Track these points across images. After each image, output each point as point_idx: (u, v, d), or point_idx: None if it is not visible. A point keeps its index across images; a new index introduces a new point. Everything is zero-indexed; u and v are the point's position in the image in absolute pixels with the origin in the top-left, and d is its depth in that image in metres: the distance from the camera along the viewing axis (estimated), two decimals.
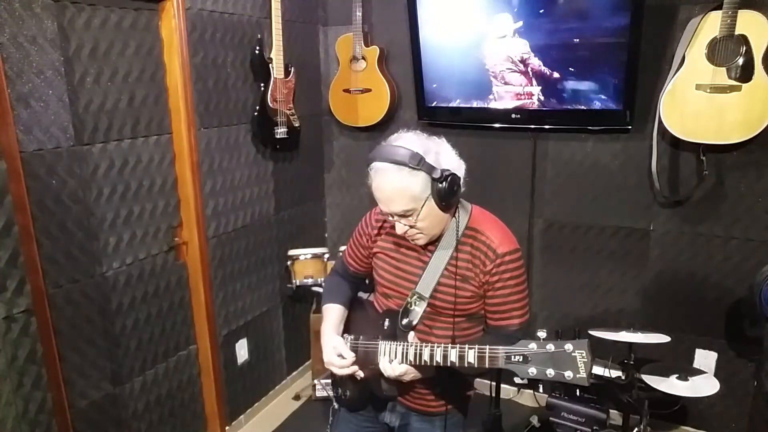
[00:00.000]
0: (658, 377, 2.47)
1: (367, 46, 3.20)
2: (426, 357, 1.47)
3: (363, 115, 3.30)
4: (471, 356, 1.39)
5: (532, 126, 2.92)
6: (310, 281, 3.27)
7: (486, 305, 1.58)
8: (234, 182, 2.92)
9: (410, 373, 1.54)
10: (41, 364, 2.10)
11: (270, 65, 2.90)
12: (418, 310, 1.59)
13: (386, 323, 1.64)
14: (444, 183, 1.44)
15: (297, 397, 3.40)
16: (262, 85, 2.92)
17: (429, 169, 1.43)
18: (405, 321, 1.60)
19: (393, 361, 1.53)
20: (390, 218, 1.53)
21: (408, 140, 1.48)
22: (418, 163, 1.41)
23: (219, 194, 2.83)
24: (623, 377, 2.51)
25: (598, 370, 2.59)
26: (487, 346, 1.37)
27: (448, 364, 1.44)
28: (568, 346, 1.26)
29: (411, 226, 1.51)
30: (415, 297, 1.60)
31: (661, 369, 2.53)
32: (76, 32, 2.11)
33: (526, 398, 3.27)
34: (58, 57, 2.06)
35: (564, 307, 3.11)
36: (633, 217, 2.87)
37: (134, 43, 2.34)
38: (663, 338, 2.45)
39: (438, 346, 1.46)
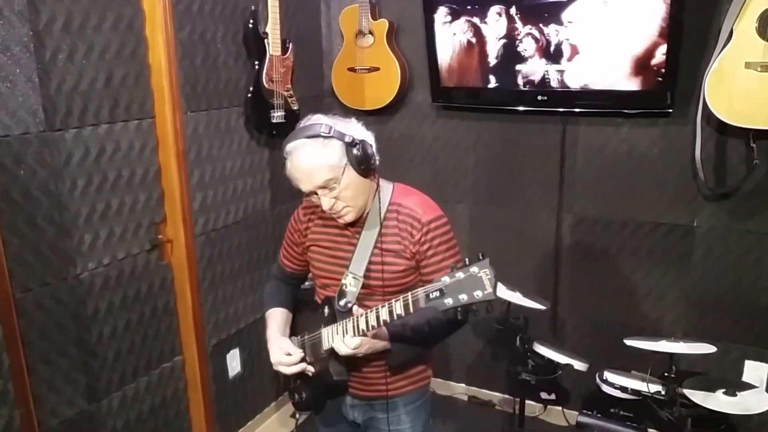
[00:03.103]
0: (703, 392, 2.47)
1: (374, 19, 3.18)
2: (363, 326, 1.65)
3: (370, 96, 3.29)
4: (398, 308, 1.56)
5: (561, 109, 2.91)
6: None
7: (422, 275, 1.78)
8: (225, 172, 2.91)
9: (365, 344, 1.70)
10: (7, 378, 2.09)
11: (265, 41, 2.88)
12: (354, 289, 1.78)
13: (326, 311, 1.83)
14: (358, 148, 1.67)
15: (294, 415, 3.38)
16: (256, 63, 2.90)
17: (340, 135, 1.66)
18: (342, 302, 1.78)
19: (346, 337, 1.69)
20: (314, 198, 1.73)
21: (316, 118, 1.73)
22: (329, 131, 1.66)
23: (208, 186, 2.82)
24: (663, 392, 2.52)
25: (635, 384, 2.59)
26: (409, 293, 1.54)
27: (382, 324, 1.62)
28: (474, 269, 1.43)
29: (336, 199, 1.70)
30: (349, 277, 1.79)
31: (706, 383, 2.53)
32: (47, 4, 2.09)
33: (554, 416, 3.27)
34: (26, 32, 2.04)
35: (596, 313, 3.11)
36: (674, 212, 2.86)
37: (112, 15, 2.32)
38: (708, 348, 2.47)
39: (371, 311, 1.64)
